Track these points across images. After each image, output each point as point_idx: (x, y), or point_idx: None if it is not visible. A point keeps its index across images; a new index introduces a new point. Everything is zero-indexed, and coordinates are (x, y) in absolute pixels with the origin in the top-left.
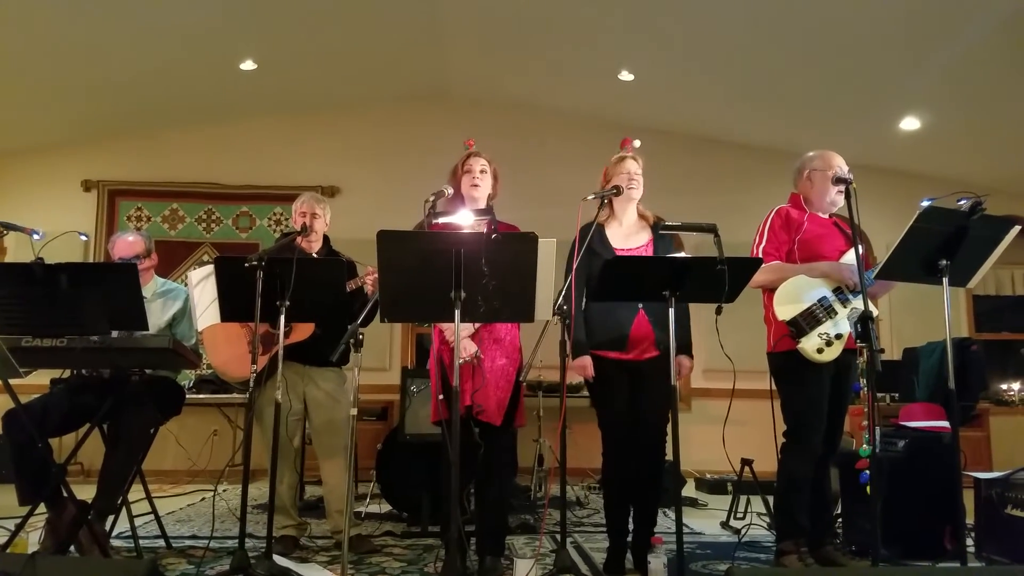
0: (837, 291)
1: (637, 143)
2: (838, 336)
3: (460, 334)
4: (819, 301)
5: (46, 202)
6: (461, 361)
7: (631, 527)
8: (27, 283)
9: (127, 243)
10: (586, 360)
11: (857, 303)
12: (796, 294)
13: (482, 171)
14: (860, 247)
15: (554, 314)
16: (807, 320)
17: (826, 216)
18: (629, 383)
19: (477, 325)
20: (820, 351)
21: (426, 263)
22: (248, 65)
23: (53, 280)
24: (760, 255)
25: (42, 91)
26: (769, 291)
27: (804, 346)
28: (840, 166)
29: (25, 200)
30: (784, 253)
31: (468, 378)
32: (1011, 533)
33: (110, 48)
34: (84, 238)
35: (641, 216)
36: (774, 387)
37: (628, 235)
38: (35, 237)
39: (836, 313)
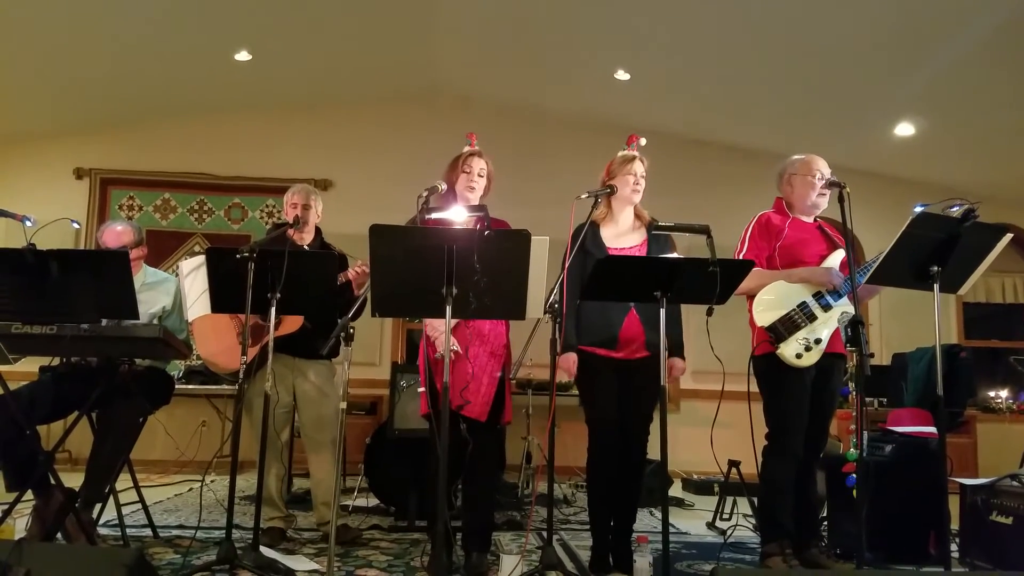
0: (817, 296)
1: (643, 141)
2: (817, 341)
3: (443, 329)
4: (799, 307)
5: (38, 190)
6: (438, 356)
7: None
8: (18, 269)
9: (115, 233)
10: (571, 357)
11: (839, 307)
12: (775, 300)
13: (480, 174)
14: (849, 251)
15: (546, 312)
16: (786, 326)
17: (809, 220)
18: (617, 381)
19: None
20: (799, 356)
21: (418, 258)
22: (243, 56)
23: (44, 267)
24: None
25: (35, 78)
26: (751, 297)
27: (783, 351)
28: (822, 170)
29: (17, 187)
30: (764, 259)
31: (455, 374)
32: (995, 539)
33: (105, 36)
34: (76, 226)
35: (638, 216)
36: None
37: (622, 235)
38: (27, 224)
39: (816, 318)
